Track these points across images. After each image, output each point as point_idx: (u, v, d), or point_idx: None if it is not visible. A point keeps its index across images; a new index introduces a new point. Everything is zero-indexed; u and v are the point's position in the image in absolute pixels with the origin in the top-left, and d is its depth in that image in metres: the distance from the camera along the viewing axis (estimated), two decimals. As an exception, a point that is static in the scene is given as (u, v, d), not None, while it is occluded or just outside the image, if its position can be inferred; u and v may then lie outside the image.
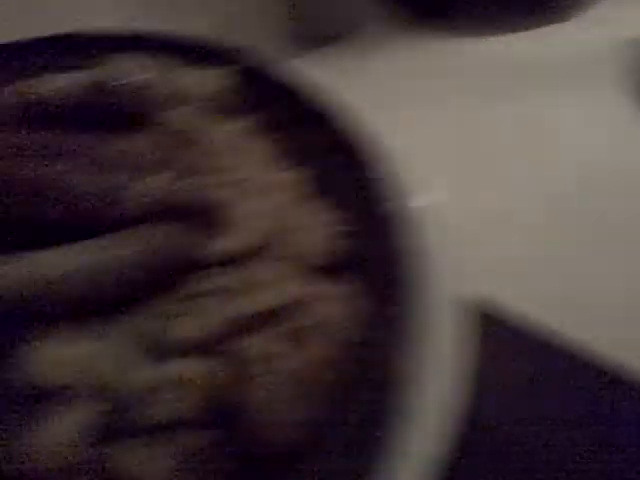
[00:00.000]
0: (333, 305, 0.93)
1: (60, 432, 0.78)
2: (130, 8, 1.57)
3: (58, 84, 1.06)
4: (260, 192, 1.05)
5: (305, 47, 1.53)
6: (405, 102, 1.44)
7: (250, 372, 0.86)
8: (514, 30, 1.65)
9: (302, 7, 1.60)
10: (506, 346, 1.05)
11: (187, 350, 0.85)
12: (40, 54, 1.21)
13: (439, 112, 1.43)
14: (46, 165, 0.87)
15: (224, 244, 0.91)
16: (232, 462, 0.84)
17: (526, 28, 1.65)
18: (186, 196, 0.91)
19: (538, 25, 1.66)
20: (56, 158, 0.88)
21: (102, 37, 1.24)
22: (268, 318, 0.89)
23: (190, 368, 0.85)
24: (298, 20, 1.62)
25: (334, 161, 1.11)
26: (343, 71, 1.41)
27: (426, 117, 1.40)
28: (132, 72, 1.11)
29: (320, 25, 1.61)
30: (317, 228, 1.04)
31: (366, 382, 0.88)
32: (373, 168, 1.07)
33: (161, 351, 0.84)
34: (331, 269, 1.02)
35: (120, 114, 1.09)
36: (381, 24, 1.67)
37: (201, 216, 0.90)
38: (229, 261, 0.92)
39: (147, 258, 0.81)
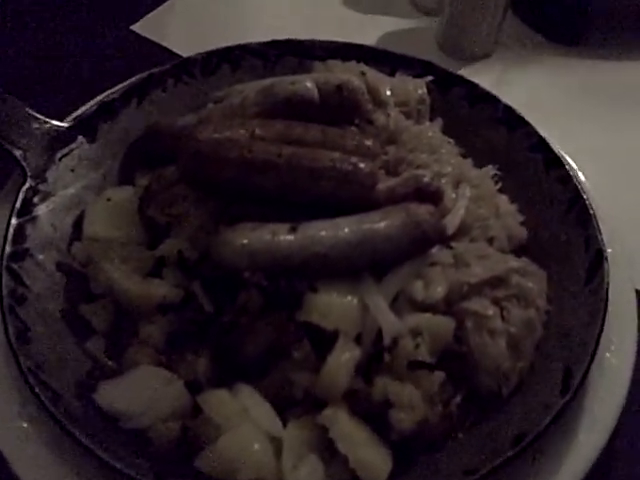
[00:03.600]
0: (529, 279, 1.15)
1: (338, 365, 1.03)
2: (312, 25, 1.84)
3: (297, 86, 1.29)
4: (459, 184, 1.27)
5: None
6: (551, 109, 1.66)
7: (470, 327, 1.10)
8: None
9: (448, 36, 1.88)
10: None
11: (423, 307, 1.09)
12: (264, 55, 1.47)
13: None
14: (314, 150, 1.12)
15: (450, 225, 1.14)
16: (458, 396, 1.08)
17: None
18: (419, 183, 1.14)
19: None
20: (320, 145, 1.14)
21: (315, 43, 1.48)
22: (482, 286, 1.12)
23: (425, 322, 1.08)
24: (444, 46, 1.89)
25: (517, 160, 1.34)
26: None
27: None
28: (349, 78, 1.34)
29: (461, 50, 1.87)
30: (505, 217, 1.27)
31: (560, 343, 1.10)
32: (554, 167, 1.28)
33: (404, 306, 1.09)
34: (519, 250, 1.24)
35: (340, 111, 1.33)
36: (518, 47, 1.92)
37: (432, 200, 1.13)
38: (449, 238, 1.16)
39: (408, 230, 1.05)
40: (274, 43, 1.50)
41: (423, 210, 1.10)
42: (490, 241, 1.23)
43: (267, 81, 1.34)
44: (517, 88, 1.70)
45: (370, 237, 1.08)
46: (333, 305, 1.08)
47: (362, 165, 1.13)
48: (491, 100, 1.42)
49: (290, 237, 1.09)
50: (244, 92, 1.35)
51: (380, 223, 1.09)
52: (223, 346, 1.08)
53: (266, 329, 1.06)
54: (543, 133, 1.37)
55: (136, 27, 1.94)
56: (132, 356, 1.10)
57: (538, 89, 1.77)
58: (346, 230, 1.09)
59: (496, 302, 1.14)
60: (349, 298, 1.09)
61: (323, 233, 1.09)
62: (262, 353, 1.07)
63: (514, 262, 1.18)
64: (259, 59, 1.49)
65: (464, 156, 1.38)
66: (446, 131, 1.42)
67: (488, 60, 1.86)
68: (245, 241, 1.08)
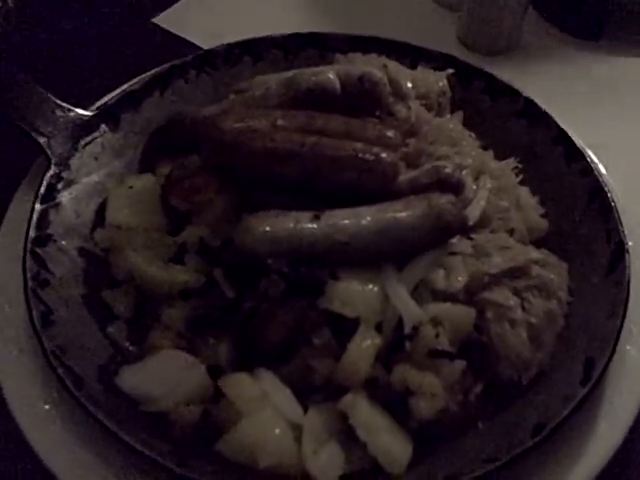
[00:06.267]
0: (550, 270, 1.15)
1: (359, 352, 1.03)
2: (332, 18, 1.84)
3: (319, 78, 1.30)
4: (480, 176, 1.27)
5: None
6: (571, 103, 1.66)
7: (490, 318, 1.10)
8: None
9: (469, 30, 1.87)
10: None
11: (443, 296, 1.09)
12: (286, 47, 1.49)
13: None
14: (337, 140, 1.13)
15: (470, 216, 1.14)
16: (478, 386, 1.08)
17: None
18: (440, 174, 1.15)
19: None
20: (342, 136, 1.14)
21: (337, 36, 1.49)
22: (503, 277, 1.12)
23: (445, 311, 1.08)
24: (465, 40, 1.89)
25: (538, 152, 1.34)
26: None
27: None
28: (370, 70, 1.34)
29: (482, 44, 1.87)
30: (526, 209, 1.27)
31: (582, 334, 1.10)
32: (576, 160, 1.28)
33: (425, 295, 1.09)
34: (539, 242, 1.24)
35: (361, 103, 1.33)
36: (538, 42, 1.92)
37: (453, 191, 1.14)
38: (470, 230, 1.16)
39: (430, 219, 1.06)
40: (296, 35, 1.51)
41: (445, 200, 1.11)
42: (510, 232, 1.23)
43: (289, 72, 1.35)
44: (538, 82, 1.70)
45: (392, 226, 1.09)
46: (354, 293, 1.08)
47: (384, 155, 1.14)
48: (512, 93, 1.42)
49: (313, 225, 1.10)
50: (267, 83, 1.36)
51: (402, 212, 1.09)
52: (244, 332, 1.08)
53: (287, 316, 1.07)
54: (564, 126, 1.37)
55: (158, 20, 1.95)
56: (154, 340, 1.10)
57: (558, 83, 1.77)
58: (368, 219, 1.10)
59: (517, 293, 1.14)
60: (370, 286, 1.09)
61: (345, 222, 1.10)
62: (283, 339, 1.07)
63: (535, 253, 1.18)
64: (281, 51, 1.50)
65: (485, 148, 1.38)
66: (467, 124, 1.41)
67: (509, 54, 1.86)
68: (268, 228, 1.09)
